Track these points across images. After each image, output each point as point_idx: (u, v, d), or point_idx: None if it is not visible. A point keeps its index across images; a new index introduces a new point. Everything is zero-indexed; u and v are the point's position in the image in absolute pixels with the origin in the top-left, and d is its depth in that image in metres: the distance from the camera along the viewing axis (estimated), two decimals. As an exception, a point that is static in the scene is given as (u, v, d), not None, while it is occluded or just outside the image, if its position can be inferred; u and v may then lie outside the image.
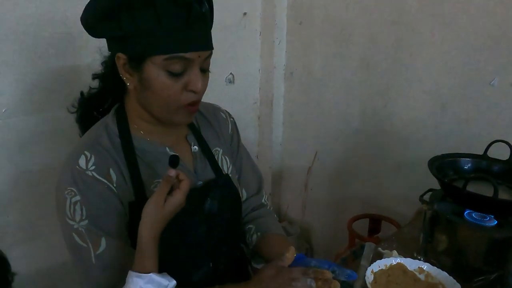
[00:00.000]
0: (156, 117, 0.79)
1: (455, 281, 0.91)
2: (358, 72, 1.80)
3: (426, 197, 1.14)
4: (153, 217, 0.69)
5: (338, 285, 0.75)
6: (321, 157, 2.11)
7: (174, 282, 0.69)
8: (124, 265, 0.74)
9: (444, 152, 1.20)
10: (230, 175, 0.92)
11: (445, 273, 0.94)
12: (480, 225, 1.00)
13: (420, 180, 1.41)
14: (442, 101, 1.53)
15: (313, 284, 0.73)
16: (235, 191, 0.92)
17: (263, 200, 1.04)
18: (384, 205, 1.87)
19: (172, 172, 0.69)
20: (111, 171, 0.76)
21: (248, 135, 2.22)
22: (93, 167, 0.74)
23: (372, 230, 1.86)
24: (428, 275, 0.96)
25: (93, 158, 0.74)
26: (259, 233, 0.96)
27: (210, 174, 0.89)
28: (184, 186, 0.70)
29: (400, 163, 1.77)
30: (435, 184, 1.13)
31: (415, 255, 1.09)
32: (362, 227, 1.89)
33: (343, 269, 0.78)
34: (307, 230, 2.29)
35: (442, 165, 1.13)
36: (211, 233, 0.86)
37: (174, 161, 0.70)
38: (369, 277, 0.93)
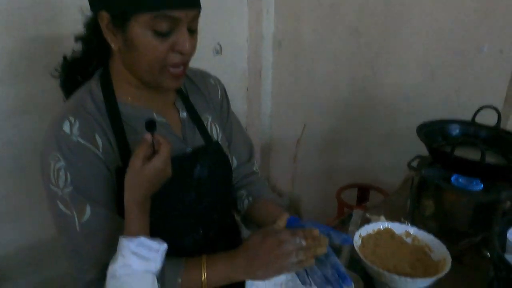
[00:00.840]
0: (143, 80, 0.76)
1: (441, 243, 0.93)
2: (347, 41, 1.78)
3: (414, 163, 1.15)
4: (130, 181, 0.67)
5: (326, 241, 0.75)
6: (310, 128, 2.11)
7: (165, 245, 0.68)
8: (111, 235, 0.72)
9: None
10: (220, 142, 0.91)
11: (431, 236, 0.96)
12: (467, 190, 1.01)
13: (408, 149, 1.42)
14: (431, 69, 1.52)
15: (303, 242, 0.73)
16: (225, 159, 0.91)
17: (254, 168, 1.04)
18: (373, 175, 1.89)
19: (148, 137, 0.68)
20: (97, 136, 0.74)
21: (237, 107, 2.17)
22: (78, 132, 0.72)
23: (361, 199, 1.89)
24: (415, 238, 0.98)
25: (77, 123, 0.72)
26: (250, 198, 0.96)
27: (199, 141, 0.87)
28: (163, 151, 0.68)
29: (389, 132, 1.78)
30: (423, 151, 1.13)
31: (402, 220, 1.11)
32: (350, 196, 1.91)
33: (338, 232, 0.78)
34: (296, 201, 2.31)
35: (431, 132, 1.14)
36: (201, 200, 0.85)
37: (150, 125, 0.67)
38: (357, 241, 0.95)
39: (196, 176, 0.84)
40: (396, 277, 0.82)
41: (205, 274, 0.75)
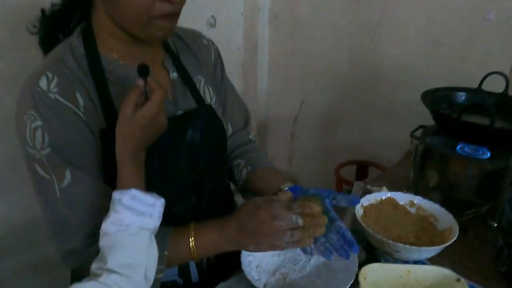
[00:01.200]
0: (128, 32, 0.70)
1: (447, 212, 0.88)
2: (346, 11, 1.71)
3: (418, 134, 1.10)
4: (121, 130, 0.62)
5: (326, 219, 0.68)
6: (308, 105, 2.06)
7: (162, 200, 0.62)
8: (94, 203, 0.67)
9: (435, 91, 1.15)
10: (213, 106, 0.85)
11: (436, 205, 0.91)
12: (473, 158, 0.96)
13: (410, 122, 1.38)
14: (434, 39, 1.46)
15: (300, 221, 0.64)
16: (219, 123, 0.85)
17: (251, 136, 0.97)
18: (372, 151, 1.85)
19: (140, 82, 0.62)
20: (78, 94, 0.68)
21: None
22: (56, 89, 0.65)
23: (360, 176, 1.85)
24: (419, 208, 0.93)
25: (55, 79, 0.66)
26: (249, 168, 0.90)
27: (191, 104, 0.81)
28: (156, 96, 0.62)
29: (389, 107, 1.73)
30: (426, 122, 1.09)
31: (404, 192, 1.06)
32: (349, 173, 1.87)
33: (344, 195, 0.73)
34: (293, 180, 2.26)
35: (436, 99, 1.08)
36: (193, 166, 0.80)
37: (142, 70, 0.61)
38: (359, 211, 0.90)
39: (188, 140, 0.78)
40: (401, 245, 0.77)
41: (193, 242, 0.70)
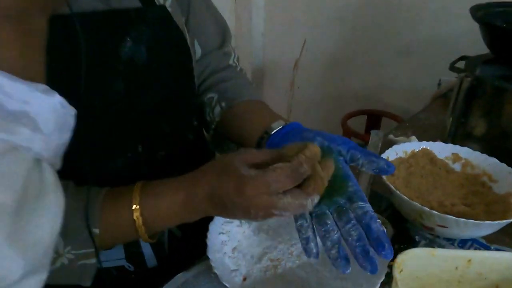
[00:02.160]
0: None
1: (510, 168, 0.62)
2: None
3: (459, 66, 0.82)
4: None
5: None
6: (310, 47, 1.78)
7: (57, 97, 0.31)
8: None
9: (470, 28, 0.85)
10: (169, 9, 0.56)
11: (493, 159, 0.65)
12: (543, 94, 0.69)
13: (434, 64, 1.12)
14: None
15: (310, 202, 0.39)
16: (179, 35, 0.56)
17: (230, 61, 0.69)
18: (386, 100, 1.60)
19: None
20: None
21: None
22: None
23: (370, 128, 1.58)
24: (467, 163, 0.67)
25: None
26: (223, 104, 0.62)
27: (131, 0, 0.53)
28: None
29: (408, 45, 1.46)
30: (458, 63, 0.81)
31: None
32: (358, 125, 1.61)
33: (369, 153, 0.45)
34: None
35: (488, 16, 0.79)
36: (136, 98, 0.52)
37: None
38: (384, 167, 0.64)
39: (125, 57, 0.50)
40: (451, 219, 0.51)
41: (139, 211, 0.45)
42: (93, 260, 0.46)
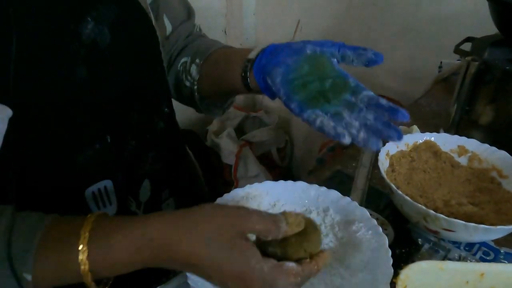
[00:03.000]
0: None
1: (522, 163, 0.56)
2: None
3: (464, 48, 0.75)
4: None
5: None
6: (305, 27, 1.70)
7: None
8: None
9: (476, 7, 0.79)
10: None
11: (503, 153, 0.59)
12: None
13: (435, 45, 1.05)
14: None
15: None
16: (143, 16, 0.49)
17: (195, 30, 0.66)
18: (382, 83, 1.52)
19: None
20: None
21: (212, 4, 1.76)
22: None
23: (366, 113, 1.52)
24: (474, 157, 0.61)
25: None
26: (197, 60, 0.59)
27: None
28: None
29: (408, 25, 1.38)
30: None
31: (441, 132, 0.73)
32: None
33: (358, 48, 0.46)
34: (286, 119, 1.95)
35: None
36: (101, 85, 0.46)
37: None
38: (384, 162, 0.58)
39: (86, 39, 0.44)
40: (460, 223, 0.45)
41: (85, 256, 0.35)
42: None
